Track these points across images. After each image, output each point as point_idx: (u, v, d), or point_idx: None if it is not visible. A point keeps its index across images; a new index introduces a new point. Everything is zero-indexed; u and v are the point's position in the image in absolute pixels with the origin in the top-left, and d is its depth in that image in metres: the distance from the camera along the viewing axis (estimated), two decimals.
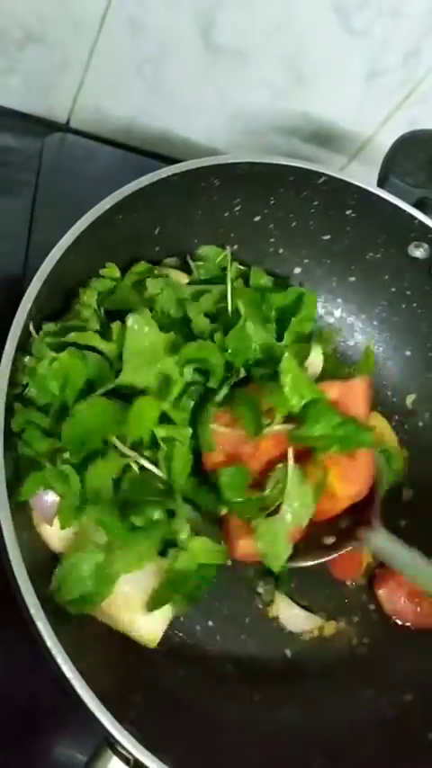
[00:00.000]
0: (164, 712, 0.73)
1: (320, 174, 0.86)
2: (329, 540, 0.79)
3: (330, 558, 0.78)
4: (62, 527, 0.71)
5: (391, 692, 0.82)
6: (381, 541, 0.77)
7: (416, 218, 0.88)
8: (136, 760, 0.60)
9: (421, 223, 0.88)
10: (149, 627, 0.76)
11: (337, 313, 1.00)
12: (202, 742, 0.74)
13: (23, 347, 0.70)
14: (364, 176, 0.90)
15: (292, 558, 0.75)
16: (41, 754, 0.81)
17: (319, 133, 1.20)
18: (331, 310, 1.00)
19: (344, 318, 1.00)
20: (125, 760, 0.61)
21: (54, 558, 0.72)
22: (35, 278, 0.70)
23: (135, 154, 1.22)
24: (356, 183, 0.87)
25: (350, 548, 0.78)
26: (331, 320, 0.99)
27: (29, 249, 1.00)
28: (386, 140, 0.98)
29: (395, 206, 0.88)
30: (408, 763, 0.74)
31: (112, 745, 0.61)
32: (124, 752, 0.60)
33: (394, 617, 0.88)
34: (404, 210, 0.88)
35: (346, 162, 1.23)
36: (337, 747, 0.77)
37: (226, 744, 0.75)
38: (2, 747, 0.79)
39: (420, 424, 0.98)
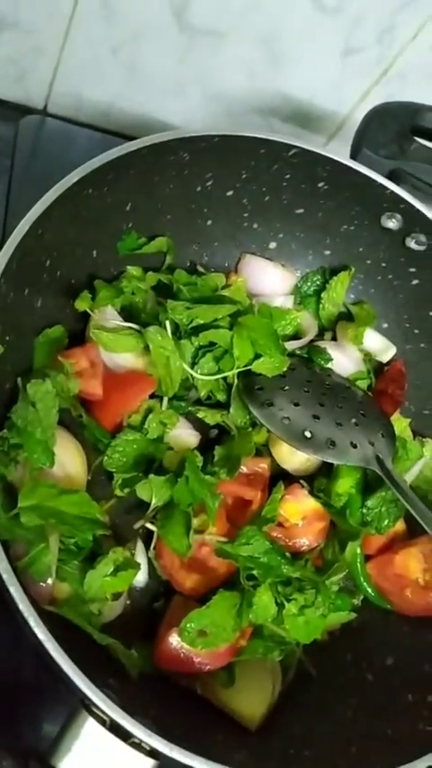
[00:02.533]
0: (148, 678, 0.74)
1: (291, 147, 0.87)
2: None
3: None
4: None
5: (371, 656, 0.83)
6: None
7: (388, 189, 0.89)
8: (112, 721, 0.61)
9: (393, 194, 0.89)
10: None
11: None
12: (184, 706, 0.74)
13: None
14: (345, 154, 0.90)
15: None
16: (27, 729, 0.81)
17: (297, 113, 1.20)
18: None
19: None
20: (101, 721, 0.61)
21: None
22: (2, 252, 0.70)
23: (114, 137, 1.22)
24: (328, 154, 0.88)
25: None
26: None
27: (5, 233, 1.00)
28: None
29: (367, 177, 0.88)
30: (387, 723, 0.75)
31: (87, 706, 0.61)
32: (100, 713, 0.61)
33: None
34: (376, 182, 0.88)
35: (325, 141, 1.24)
36: (316, 709, 0.78)
37: (206, 705, 0.76)
38: None
39: None
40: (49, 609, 0.68)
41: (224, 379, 0.86)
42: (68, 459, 0.78)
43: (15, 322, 0.75)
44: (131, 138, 1.21)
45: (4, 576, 0.61)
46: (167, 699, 0.75)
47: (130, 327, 0.84)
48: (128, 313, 0.87)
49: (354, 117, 1.18)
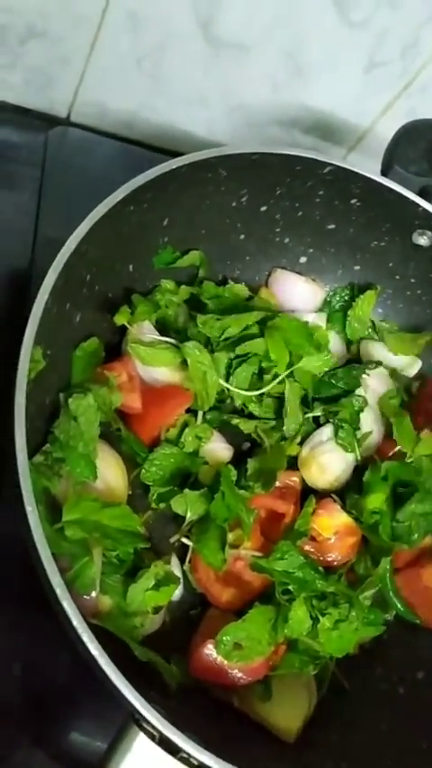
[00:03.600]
0: (187, 692, 0.75)
1: (326, 164, 0.87)
2: None
3: None
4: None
5: (401, 670, 0.84)
6: None
7: (420, 206, 0.89)
8: (161, 735, 0.61)
9: (425, 211, 0.89)
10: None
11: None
12: (222, 719, 0.75)
13: (41, 338, 0.71)
14: (364, 166, 0.91)
15: None
16: (60, 740, 0.82)
17: (318, 125, 1.21)
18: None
19: None
20: (151, 736, 0.62)
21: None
22: (51, 269, 0.70)
23: (137, 147, 1.22)
24: (362, 172, 0.88)
25: None
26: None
27: (35, 243, 1.01)
28: (385, 131, 0.99)
29: (399, 194, 0.89)
30: (421, 736, 0.76)
31: (137, 721, 0.62)
32: (150, 728, 0.61)
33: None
34: (408, 199, 0.89)
35: (345, 153, 1.24)
36: (350, 722, 0.79)
37: (243, 718, 0.77)
38: (20, 732, 0.80)
39: None
40: (94, 622, 0.68)
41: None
42: (110, 473, 0.79)
43: (56, 337, 0.76)
44: (154, 148, 1.26)
45: (58, 591, 0.61)
46: (206, 712, 0.75)
47: (167, 342, 0.85)
48: (161, 326, 0.88)
49: (375, 130, 1.19)
